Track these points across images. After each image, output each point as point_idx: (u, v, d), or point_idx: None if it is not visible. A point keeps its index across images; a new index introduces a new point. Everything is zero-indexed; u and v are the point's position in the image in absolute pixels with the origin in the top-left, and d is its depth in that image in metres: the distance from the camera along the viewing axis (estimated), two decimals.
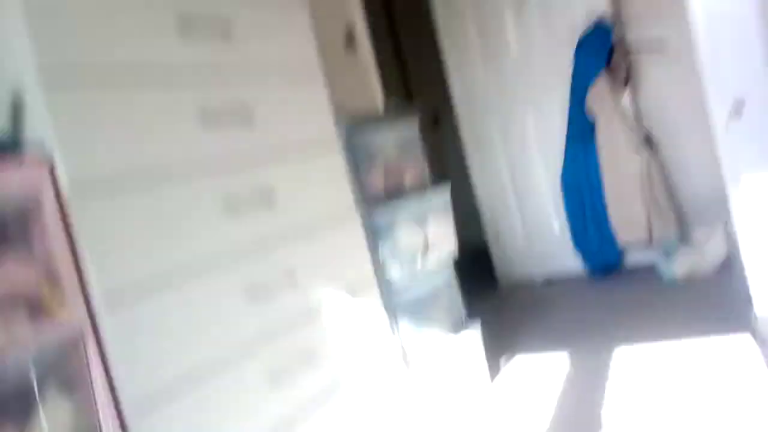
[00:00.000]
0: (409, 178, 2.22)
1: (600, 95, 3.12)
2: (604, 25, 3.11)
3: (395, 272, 2.01)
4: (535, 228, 3.61)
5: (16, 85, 1.21)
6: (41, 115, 1.18)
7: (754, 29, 1.50)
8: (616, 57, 3.10)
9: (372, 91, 2.68)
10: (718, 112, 1.70)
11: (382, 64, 2.91)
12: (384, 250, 2.00)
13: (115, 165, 1.26)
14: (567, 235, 3.43)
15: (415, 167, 2.27)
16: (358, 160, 2.01)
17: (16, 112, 1.22)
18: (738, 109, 1.62)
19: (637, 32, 3.18)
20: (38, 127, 1.19)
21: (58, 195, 1.17)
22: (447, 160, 4.23)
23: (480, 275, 3.81)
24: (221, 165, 1.50)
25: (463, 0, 3.56)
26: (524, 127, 3.52)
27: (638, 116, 3.24)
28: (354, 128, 2.00)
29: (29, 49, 1.16)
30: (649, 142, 3.20)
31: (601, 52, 3.07)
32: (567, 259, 3.48)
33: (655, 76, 3.21)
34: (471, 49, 3.59)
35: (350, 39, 2.78)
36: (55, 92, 1.18)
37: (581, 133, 3.24)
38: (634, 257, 3.30)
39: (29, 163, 1.14)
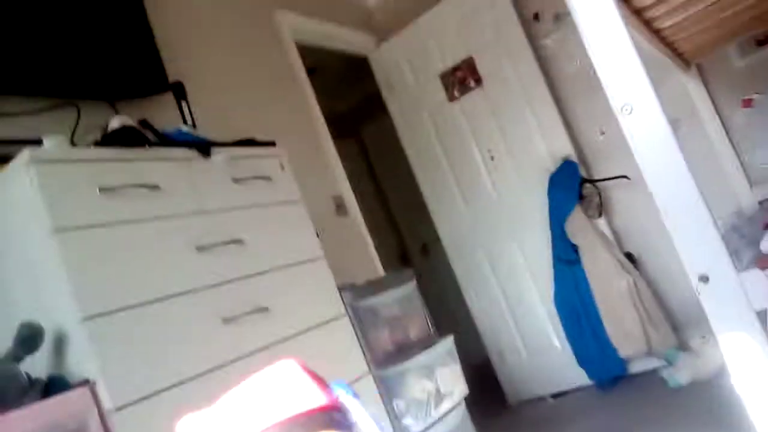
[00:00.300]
0: (413, 332, 2.36)
1: (578, 223, 3.35)
2: (571, 163, 3.42)
3: (410, 423, 2.10)
4: (537, 346, 3.70)
5: (60, 325, 1.38)
6: (84, 348, 1.35)
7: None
8: (586, 189, 3.38)
9: (368, 253, 2.89)
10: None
11: (372, 219, 3.16)
12: (398, 405, 2.10)
13: (153, 384, 1.40)
14: (569, 350, 3.52)
15: (418, 320, 2.42)
16: (364, 322, 2.16)
17: (60, 348, 1.38)
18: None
19: (602, 166, 3.50)
20: (81, 359, 1.35)
21: (102, 415, 1.31)
22: (441, 286, 4.40)
23: (487, 393, 3.85)
24: (247, 365, 1.64)
25: (436, 152, 3.90)
26: (511, 255, 3.71)
27: (617, 237, 3.47)
28: (357, 294, 2.17)
29: (71, 295, 1.35)
30: (631, 259, 3.39)
31: (573, 187, 3.35)
32: (572, 373, 3.54)
33: (625, 200, 3.48)
34: (450, 193, 3.87)
35: (340, 208, 3.03)
36: (94, 328, 1.35)
37: (566, 256, 3.44)
38: (638, 363, 3.39)
39: (76, 394, 1.29)
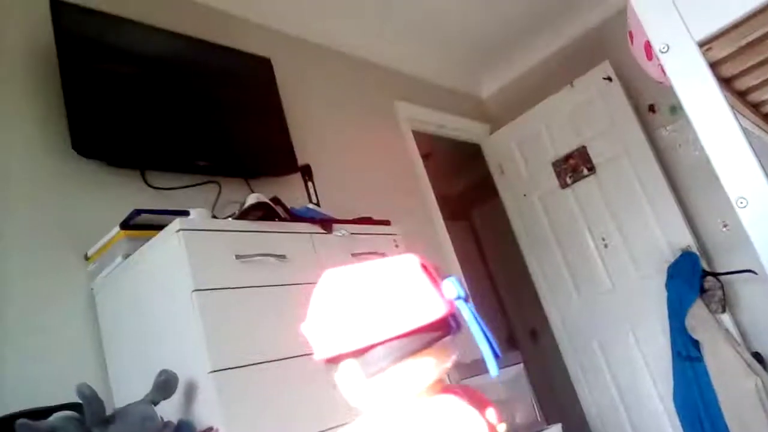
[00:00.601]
0: (520, 417, 2.33)
1: (700, 318, 3.18)
2: (691, 254, 3.30)
3: None
4: None
5: (192, 375, 1.52)
6: (211, 397, 1.47)
7: None
8: (708, 282, 3.23)
9: None
10: None
11: (481, 300, 3.18)
12: None
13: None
14: None
15: (525, 405, 2.39)
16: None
17: (191, 396, 1.52)
18: None
19: (725, 259, 3.35)
20: (208, 407, 1.47)
21: None
22: (549, 372, 4.26)
23: None
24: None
25: (547, 237, 3.90)
26: (626, 347, 3.57)
27: (743, 334, 3.26)
28: (462, 372, 2.19)
29: (204, 349, 1.49)
30: (759, 359, 3.16)
31: (693, 279, 3.21)
32: None
33: (751, 296, 3.28)
34: (561, 279, 3.83)
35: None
36: (221, 381, 1.48)
37: (687, 352, 3.25)
38: None
39: None
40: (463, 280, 2.69)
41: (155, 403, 1.47)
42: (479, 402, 0.68)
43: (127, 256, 1.77)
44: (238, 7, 2.88)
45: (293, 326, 1.70)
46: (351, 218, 2.18)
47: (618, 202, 3.62)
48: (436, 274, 0.65)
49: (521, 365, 2.47)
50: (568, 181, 3.82)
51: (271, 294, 1.70)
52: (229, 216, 1.88)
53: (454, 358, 0.65)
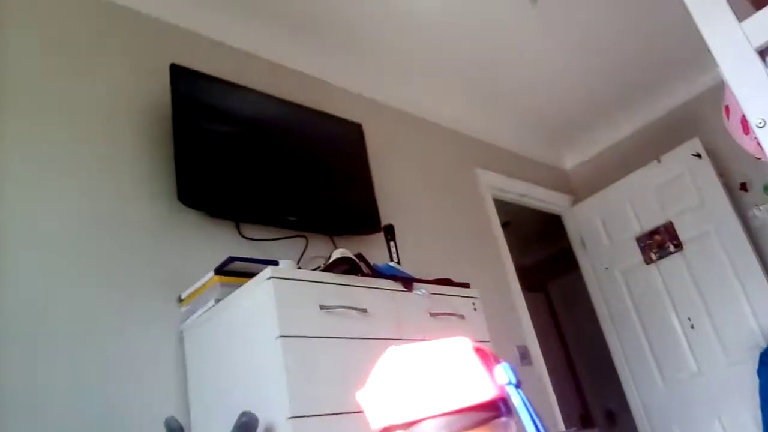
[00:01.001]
0: None
1: None
2: None
3: None
4: None
5: (271, 418, 1.57)
6: None
7: None
8: None
9: (550, 406, 2.81)
10: None
11: (555, 376, 3.10)
12: None
13: None
14: None
15: None
16: None
17: None
18: None
19: None
20: None
21: None
22: None
23: None
24: None
25: (629, 314, 3.78)
26: None
27: None
28: None
29: (284, 395, 1.54)
30: None
31: None
32: None
33: None
34: (644, 359, 3.67)
35: (525, 357, 3.04)
36: (298, 427, 1.52)
37: None
38: None
39: None
40: (537, 355, 2.62)
41: None
42: None
43: (218, 300, 1.87)
44: (333, 76, 3.07)
45: None
46: (431, 279, 2.22)
47: (706, 281, 3.49)
48: (489, 358, 0.67)
49: None
50: (653, 257, 3.72)
51: (351, 346, 1.74)
52: (315, 269, 1.96)
53: None
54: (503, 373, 0.65)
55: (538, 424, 0.64)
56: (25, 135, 1.92)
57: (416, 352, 0.67)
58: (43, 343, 1.69)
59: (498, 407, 0.64)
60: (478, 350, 0.67)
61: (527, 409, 0.64)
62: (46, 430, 1.59)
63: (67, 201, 1.92)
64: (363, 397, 0.69)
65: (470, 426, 0.62)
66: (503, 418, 0.65)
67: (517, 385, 0.65)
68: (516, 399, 0.64)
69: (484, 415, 0.63)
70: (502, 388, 0.64)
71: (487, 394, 0.63)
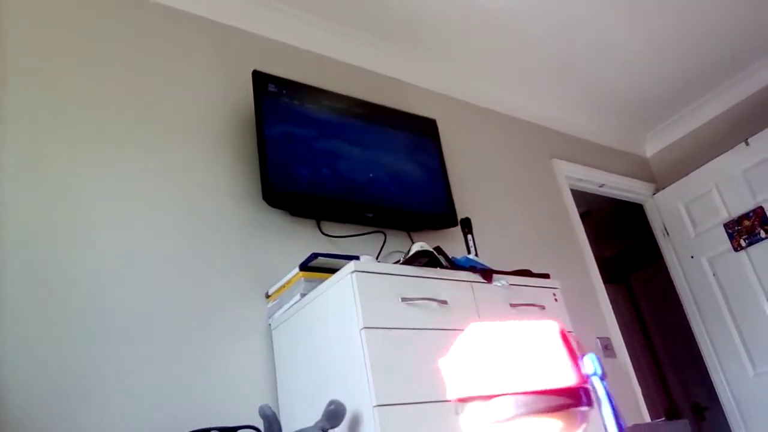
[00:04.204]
0: None
1: None
2: None
3: None
4: None
5: (358, 407, 1.63)
6: (373, 430, 1.57)
7: None
8: None
9: (635, 399, 2.76)
10: None
11: (638, 369, 3.03)
12: None
13: None
14: None
15: None
16: None
17: (355, 428, 1.63)
18: None
19: None
20: None
21: None
22: None
23: None
24: None
25: (718, 304, 3.64)
26: None
27: None
28: None
29: (370, 384, 1.60)
30: None
31: None
32: None
33: None
34: (734, 351, 3.53)
35: (608, 349, 2.99)
36: (383, 415, 1.58)
37: None
38: None
39: None
40: (621, 347, 2.57)
41: (324, 430, 1.60)
42: None
43: (303, 295, 1.96)
44: (407, 74, 3.12)
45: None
46: (510, 270, 2.23)
47: None
48: (575, 346, 0.66)
49: None
50: (743, 243, 3.57)
51: (432, 337, 1.79)
52: (395, 262, 2.02)
53: (582, 430, 0.65)
54: (589, 363, 0.67)
55: (619, 419, 0.63)
56: (119, 145, 2.07)
57: (502, 330, 0.68)
58: (149, 342, 1.83)
59: (579, 396, 0.63)
60: (564, 336, 0.66)
61: (609, 402, 0.63)
62: (152, 417, 1.72)
63: (161, 207, 2.06)
64: (445, 366, 0.68)
65: (550, 409, 0.61)
66: (583, 408, 0.63)
67: (602, 377, 0.64)
68: (600, 390, 0.64)
69: (565, 400, 0.62)
70: (585, 377, 0.63)
71: (571, 380, 0.62)
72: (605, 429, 0.64)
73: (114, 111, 2.10)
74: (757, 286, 3.47)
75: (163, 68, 2.30)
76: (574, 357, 0.66)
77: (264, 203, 2.21)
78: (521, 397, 0.63)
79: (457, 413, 0.67)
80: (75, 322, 1.73)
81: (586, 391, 0.64)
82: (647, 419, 2.95)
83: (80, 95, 2.05)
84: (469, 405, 0.65)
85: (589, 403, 0.64)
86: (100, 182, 1.96)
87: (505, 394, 0.64)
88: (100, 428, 1.64)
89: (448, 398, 0.68)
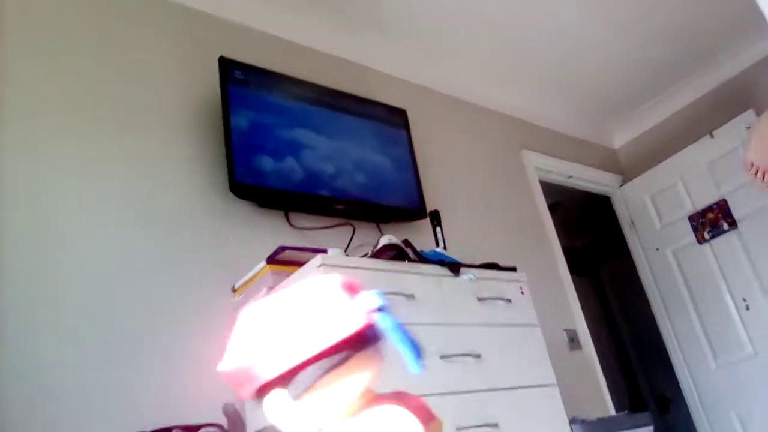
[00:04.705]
0: None
1: None
2: None
3: None
4: None
5: None
6: None
7: None
8: None
9: (600, 391, 2.80)
10: None
11: (604, 361, 3.07)
12: None
13: None
14: None
15: None
16: None
17: None
18: None
19: None
20: None
21: None
22: None
23: None
24: None
25: (681, 296, 3.70)
26: None
27: None
28: (587, 429, 2.13)
29: None
30: None
31: None
32: None
33: None
34: (697, 343, 3.60)
35: (574, 342, 3.02)
36: None
37: None
38: None
39: None
40: (587, 339, 2.59)
41: None
42: (416, 407, 0.67)
43: (270, 288, 1.93)
44: (377, 62, 3.09)
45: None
46: (477, 263, 2.23)
47: (762, 260, 3.39)
48: (359, 291, 0.65)
49: (651, 428, 2.36)
50: (707, 236, 3.63)
51: None
52: (363, 256, 2.00)
53: (378, 368, 0.65)
54: (369, 300, 0.64)
55: (411, 339, 0.63)
56: (78, 133, 2.01)
57: (275, 301, 0.65)
58: (109, 339, 1.78)
59: (367, 336, 0.63)
60: (346, 285, 0.65)
61: (397, 328, 0.63)
62: (114, 414, 1.68)
63: (122, 198, 2.00)
64: (225, 369, 0.65)
65: (343, 360, 0.61)
66: (375, 343, 0.63)
67: (381, 309, 0.64)
68: (385, 322, 0.63)
69: (356, 345, 0.62)
70: (368, 315, 0.63)
71: (355, 324, 0.62)
72: (402, 357, 0.63)
73: (74, 101, 2.03)
74: (720, 278, 3.54)
75: (126, 55, 2.23)
76: (353, 292, 0.64)
77: (231, 194, 2.17)
78: (312, 366, 0.60)
79: (260, 405, 0.64)
80: (33, 321, 1.67)
81: (374, 328, 0.64)
82: (612, 412, 3.00)
83: (38, 86, 1.98)
84: (268, 395, 0.63)
85: (378, 336, 0.64)
86: (60, 176, 1.90)
87: (296, 368, 0.61)
88: (57, 430, 1.60)
89: (243, 396, 0.65)
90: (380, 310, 0.65)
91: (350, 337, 0.61)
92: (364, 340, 0.63)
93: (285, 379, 0.62)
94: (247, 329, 0.65)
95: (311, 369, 0.61)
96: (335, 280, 0.65)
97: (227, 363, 0.65)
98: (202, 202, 2.17)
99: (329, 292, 0.64)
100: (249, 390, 0.64)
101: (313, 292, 0.65)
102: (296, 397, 0.61)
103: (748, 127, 3.44)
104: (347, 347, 0.61)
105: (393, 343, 0.63)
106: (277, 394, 0.62)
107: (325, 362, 0.60)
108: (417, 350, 0.64)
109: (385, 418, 0.63)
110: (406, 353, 0.63)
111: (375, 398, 0.66)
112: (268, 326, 0.63)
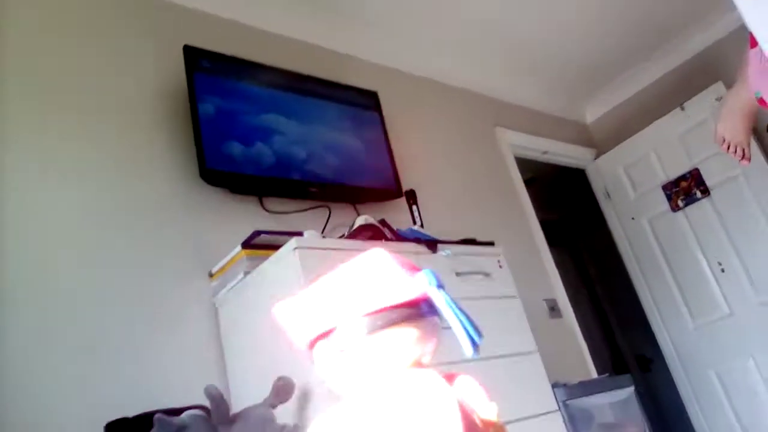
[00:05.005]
0: None
1: None
2: None
3: None
4: None
5: (305, 383, 1.62)
6: (323, 404, 1.56)
7: None
8: None
9: (582, 356, 2.84)
10: None
11: (586, 328, 3.12)
12: None
13: None
14: None
15: (636, 429, 2.31)
16: (576, 422, 2.14)
17: (304, 403, 1.62)
18: None
19: None
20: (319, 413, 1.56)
21: None
22: (663, 405, 4.07)
23: None
24: None
25: (658, 262, 3.77)
26: (747, 375, 3.36)
27: None
28: (570, 393, 2.17)
29: None
30: None
31: None
32: None
33: None
34: (674, 305, 3.68)
35: (554, 310, 3.06)
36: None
37: None
38: None
39: None
40: (566, 307, 2.63)
41: (273, 407, 1.59)
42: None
43: (247, 273, 1.93)
44: (347, 46, 3.08)
45: None
46: (455, 240, 2.25)
47: (735, 224, 3.46)
48: (412, 267, 0.66)
49: (632, 388, 2.40)
50: (680, 204, 3.69)
51: None
52: (340, 237, 2.01)
53: (434, 343, 0.65)
54: (425, 277, 0.64)
55: (469, 320, 0.62)
56: (42, 122, 1.98)
57: (333, 273, 0.66)
58: (84, 330, 1.77)
59: (420, 306, 0.63)
60: (398, 259, 0.65)
61: (454, 307, 0.63)
62: (92, 403, 1.67)
63: (93, 190, 1.98)
64: (281, 314, 0.66)
65: (393, 322, 0.61)
66: (429, 317, 0.63)
67: (440, 286, 0.64)
68: (441, 299, 0.63)
69: (407, 311, 0.62)
70: (425, 290, 0.63)
71: (409, 294, 0.62)
72: (457, 335, 0.62)
73: (38, 90, 2.00)
74: (695, 243, 3.61)
75: (91, 43, 2.19)
76: (411, 271, 0.64)
77: (203, 182, 2.15)
78: (364, 319, 0.61)
79: (312, 360, 0.64)
80: (5, 319, 1.66)
81: (428, 302, 0.63)
82: (594, 375, 3.05)
83: (5, 80, 1.95)
84: (323, 342, 0.63)
85: (433, 312, 0.63)
86: (25, 166, 1.87)
87: (347, 323, 0.61)
88: (32, 427, 1.58)
89: (297, 347, 0.64)
90: (439, 287, 0.64)
91: (405, 303, 0.62)
92: (419, 311, 0.63)
93: (334, 333, 0.62)
94: (307, 289, 0.66)
95: (360, 324, 0.61)
96: (384, 252, 0.65)
97: (285, 311, 0.65)
98: (175, 191, 2.15)
99: (382, 262, 0.64)
100: (302, 341, 0.64)
101: (367, 263, 0.65)
102: (342, 349, 0.61)
103: (718, 99, 3.49)
104: (399, 310, 0.61)
105: (449, 321, 0.63)
106: (324, 346, 0.63)
107: (375, 320, 0.61)
108: (475, 332, 0.64)
109: (419, 382, 0.61)
110: (461, 334, 0.62)
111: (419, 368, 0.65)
112: (325, 287, 0.64)
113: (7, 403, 1.57)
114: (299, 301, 0.65)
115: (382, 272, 0.63)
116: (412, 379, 0.61)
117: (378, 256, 0.65)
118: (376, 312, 0.61)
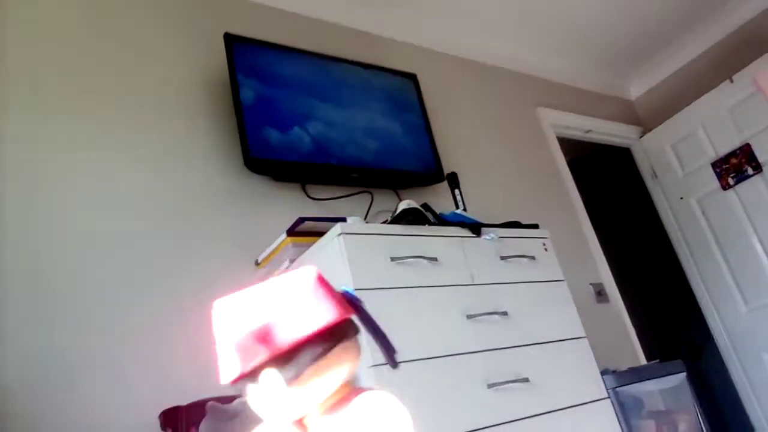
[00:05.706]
0: (683, 428, 2.21)
1: None
2: None
3: None
4: None
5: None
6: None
7: None
8: None
9: (630, 342, 2.79)
10: None
11: (633, 313, 3.05)
12: None
13: None
14: None
15: (688, 418, 2.26)
16: (626, 409, 2.10)
17: None
18: None
19: None
20: None
21: None
22: (716, 391, 3.97)
23: None
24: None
25: (708, 243, 3.66)
26: None
27: None
28: (619, 379, 2.12)
29: (366, 347, 1.59)
30: None
31: None
32: None
33: None
34: (726, 288, 3.57)
35: (601, 295, 3.01)
36: (378, 375, 1.57)
37: None
38: None
39: None
40: (614, 291, 2.58)
41: None
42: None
43: (292, 261, 1.94)
44: (385, 28, 3.05)
45: (444, 326, 1.77)
46: (499, 222, 2.21)
47: None
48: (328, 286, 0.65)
49: (683, 374, 2.34)
50: (731, 182, 3.56)
51: (423, 294, 1.78)
52: (383, 222, 2.00)
53: (358, 361, 0.65)
54: (348, 295, 0.65)
55: (385, 335, 0.66)
56: (93, 120, 2.01)
57: (254, 293, 0.64)
58: (139, 321, 1.81)
59: (349, 328, 0.64)
60: (320, 278, 0.64)
61: (372, 324, 0.65)
62: (147, 392, 1.71)
63: (141, 182, 2.01)
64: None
65: (333, 345, 0.61)
66: (349, 340, 0.63)
67: (359, 302, 0.65)
68: (363, 316, 0.64)
69: (343, 334, 0.62)
70: (346, 310, 0.63)
71: (341, 314, 0.62)
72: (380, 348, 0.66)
73: (85, 85, 2.04)
74: (747, 223, 3.48)
75: (132, 36, 2.22)
76: (333, 294, 0.63)
77: (247, 170, 2.16)
78: (306, 347, 0.59)
79: (241, 392, 0.63)
80: (60, 306, 1.70)
81: (351, 323, 0.64)
82: (643, 361, 2.99)
83: (47, 71, 1.98)
84: (259, 376, 0.60)
85: (356, 331, 0.64)
86: (75, 160, 1.91)
87: (267, 361, 0.59)
88: (95, 414, 1.63)
89: (222, 383, 0.63)
90: (357, 303, 0.65)
91: (334, 325, 0.61)
92: (343, 331, 0.63)
93: (254, 374, 0.61)
94: (226, 320, 0.64)
95: (302, 355, 0.60)
96: (311, 271, 0.65)
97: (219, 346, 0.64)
98: (220, 180, 2.17)
99: (305, 284, 0.63)
100: (233, 374, 0.62)
101: (291, 285, 0.64)
102: (289, 381, 0.60)
103: None
104: (329, 337, 0.61)
105: (371, 336, 0.65)
106: (269, 376, 0.61)
107: (315, 349, 0.60)
108: (389, 344, 0.66)
109: (369, 411, 0.61)
110: (381, 348, 0.65)
111: (353, 391, 0.65)
112: (244, 318, 0.62)
113: (69, 384, 1.62)
114: (225, 336, 0.63)
115: (308, 295, 0.62)
116: (372, 403, 0.61)
117: (303, 276, 0.63)
118: (314, 339, 0.60)
